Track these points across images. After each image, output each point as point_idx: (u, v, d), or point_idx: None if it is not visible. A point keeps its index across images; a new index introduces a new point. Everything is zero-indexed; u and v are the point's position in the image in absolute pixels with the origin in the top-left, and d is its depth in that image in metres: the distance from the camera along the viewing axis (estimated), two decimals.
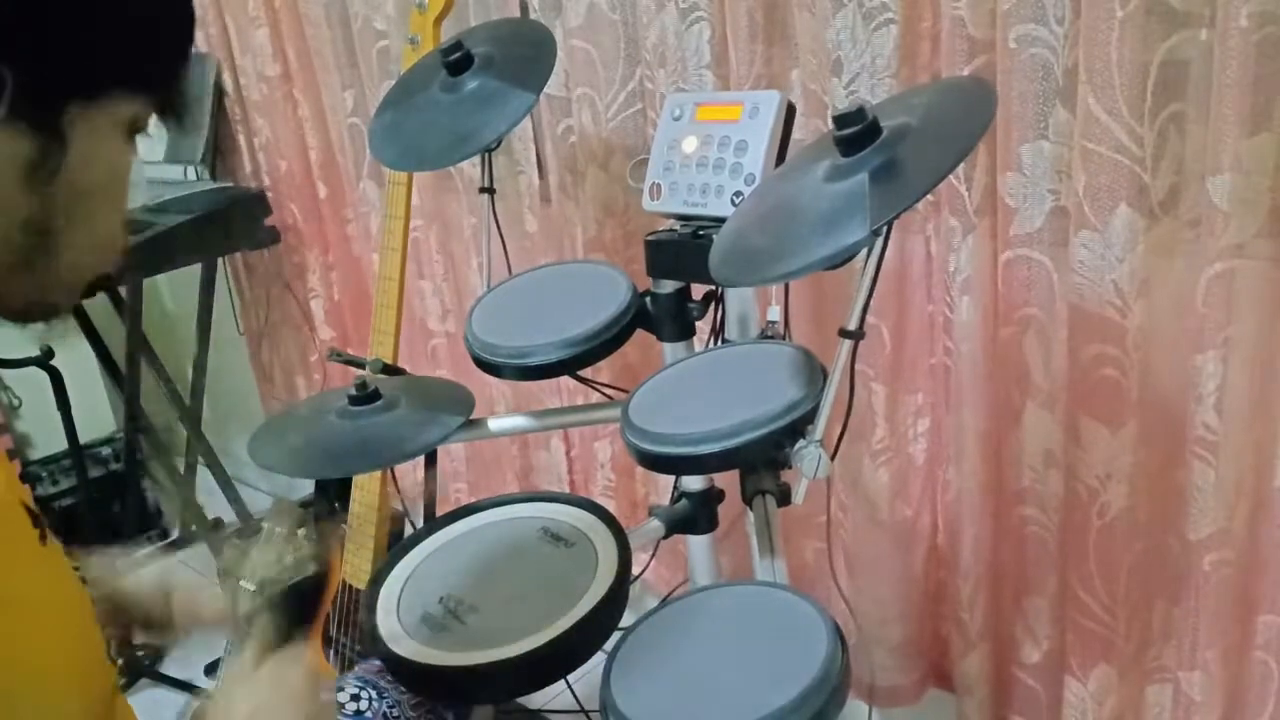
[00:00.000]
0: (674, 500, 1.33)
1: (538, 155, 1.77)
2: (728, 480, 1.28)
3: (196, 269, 2.35)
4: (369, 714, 1.01)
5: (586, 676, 1.02)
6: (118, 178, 0.63)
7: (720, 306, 1.26)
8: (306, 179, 2.26)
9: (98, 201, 0.61)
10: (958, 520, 1.39)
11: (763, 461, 1.12)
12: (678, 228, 1.21)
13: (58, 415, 2.18)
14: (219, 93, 2.35)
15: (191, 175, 2.41)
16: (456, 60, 1.30)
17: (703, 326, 1.29)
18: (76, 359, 2.33)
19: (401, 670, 0.99)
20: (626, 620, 1.01)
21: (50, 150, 0.57)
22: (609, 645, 0.98)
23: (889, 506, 1.46)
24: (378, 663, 1.05)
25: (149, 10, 0.61)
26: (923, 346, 1.38)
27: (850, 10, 1.24)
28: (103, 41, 0.58)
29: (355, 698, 1.02)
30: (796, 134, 1.23)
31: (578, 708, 1.70)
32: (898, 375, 1.39)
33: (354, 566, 1.69)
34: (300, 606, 0.80)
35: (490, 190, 1.42)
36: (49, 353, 2.07)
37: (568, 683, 1.14)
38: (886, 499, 1.45)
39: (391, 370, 1.64)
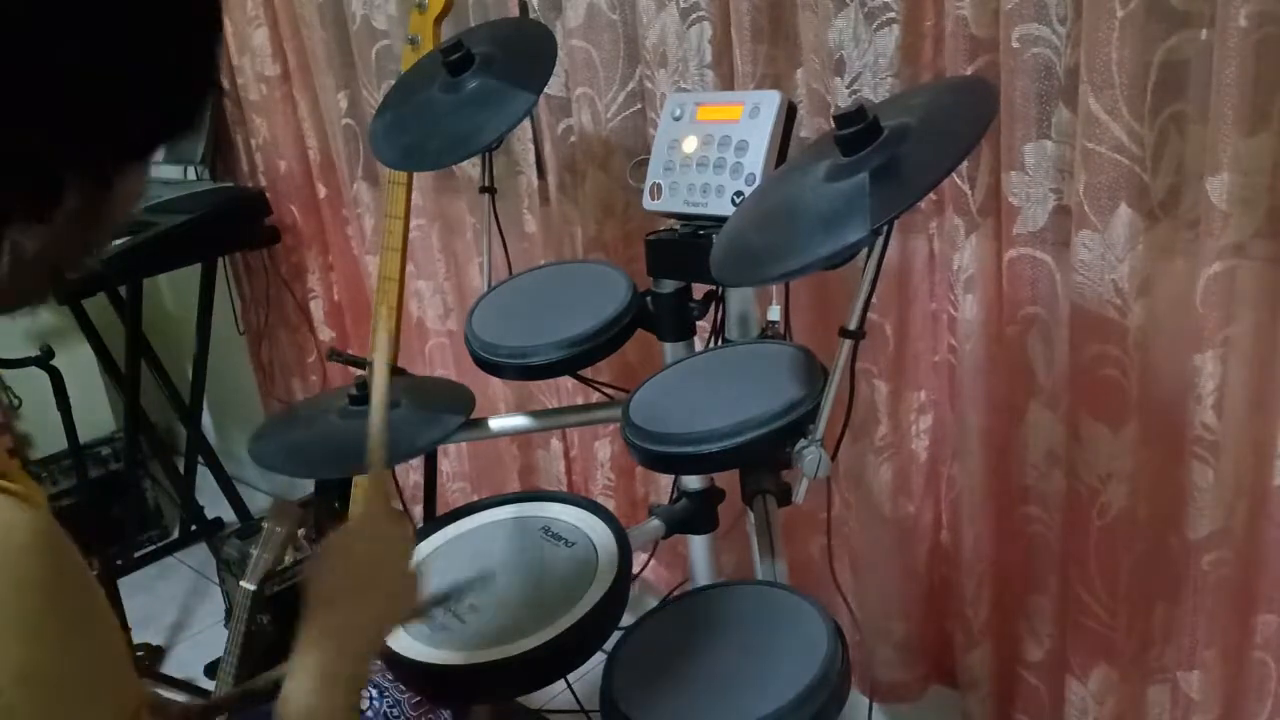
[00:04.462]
0: (674, 500, 1.33)
1: (537, 155, 1.77)
2: (728, 480, 1.28)
3: (196, 269, 2.35)
4: (369, 714, 1.01)
5: (586, 676, 1.02)
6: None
7: (721, 306, 1.26)
8: (306, 179, 2.26)
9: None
10: (961, 517, 1.39)
11: (763, 461, 1.13)
12: (678, 227, 1.21)
13: (58, 415, 2.18)
14: (218, 93, 2.35)
15: (191, 175, 2.41)
16: (457, 60, 1.30)
17: (703, 326, 1.29)
18: (76, 359, 2.33)
19: (401, 670, 0.99)
20: (626, 620, 1.01)
21: (97, 198, 0.57)
22: (609, 645, 0.99)
23: (892, 503, 1.46)
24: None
25: (188, 69, 0.63)
26: (925, 344, 1.38)
27: (853, 10, 1.24)
28: (157, 107, 0.60)
29: None
30: (802, 133, 1.22)
31: (578, 708, 1.70)
32: (900, 372, 1.39)
33: None
34: (300, 606, 0.80)
35: (491, 190, 1.42)
36: (49, 353, 2.07)
37: (568, 683, 1.14)
38: (889, 495, 1.45)
39: (391, 370, 1.64)
